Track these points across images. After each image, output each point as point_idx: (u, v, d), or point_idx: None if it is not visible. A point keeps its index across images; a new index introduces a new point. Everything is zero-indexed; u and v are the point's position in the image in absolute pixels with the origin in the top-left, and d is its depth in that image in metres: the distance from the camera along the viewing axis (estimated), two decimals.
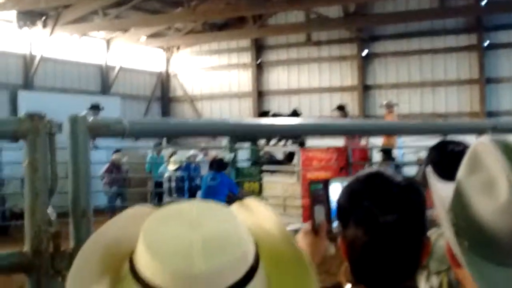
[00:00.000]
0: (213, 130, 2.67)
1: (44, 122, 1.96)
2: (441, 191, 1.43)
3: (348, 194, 1.68)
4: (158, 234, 1.17)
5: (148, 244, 1.16)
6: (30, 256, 1.89)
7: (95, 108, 17.05)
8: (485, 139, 1.35)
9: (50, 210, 1.96)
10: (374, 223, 1.57)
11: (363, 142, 15.72)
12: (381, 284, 1.61)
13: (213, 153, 17.43)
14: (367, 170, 1.72)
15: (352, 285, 1.68)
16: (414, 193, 1.63)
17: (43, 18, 22.80)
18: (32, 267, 1.89)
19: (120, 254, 1.25)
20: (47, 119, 1.98)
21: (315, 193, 1.94)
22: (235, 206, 1.39)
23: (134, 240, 1.21)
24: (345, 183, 1.74)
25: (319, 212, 1.90)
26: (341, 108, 17.18)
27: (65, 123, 2.00)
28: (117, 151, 18.25)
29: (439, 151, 2.36)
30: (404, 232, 1.58)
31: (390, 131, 4.03)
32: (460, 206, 1.36)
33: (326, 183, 1.91)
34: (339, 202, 1.70)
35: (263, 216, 1.35)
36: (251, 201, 1.39)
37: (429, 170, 1.51)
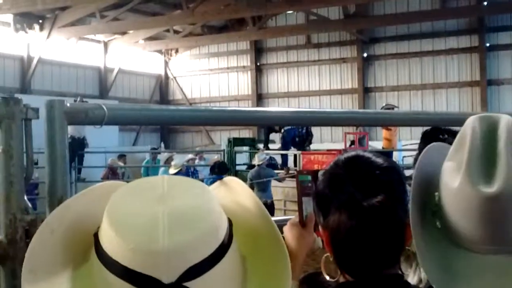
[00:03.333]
0: (196, 118, 2.59)
1: (20, 107, 1.90)
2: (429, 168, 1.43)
3: (328, 180, 1.60)
4: (123, 208, 1.10)
5: (112, 218, 1.09)
6: (5, 246, 1.84)
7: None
8: (475, 117, 1.32)
9: (26, 198, 1.91)
10: (358, 207, 1.50)
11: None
12: (365, 270, 1.55)
13: (214, 157, 17.27)
14: (345, 154, 1.65)
15: (332, 276, 1.63)
16: (396, 174, 1.58)
17: (40, 21, 22.67)
18: (6, 256, 1.83)
19: (88, 230, 1.17)
20: (23, 104, 1.92)
21: (303, 185, 1.89)
22: (215, 185, 1.37)
23: (102, 216, 1.13)
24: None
25: (308, 204, 1.83)
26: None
27: (41, 108, 1.93)
28: (121, 156, 18.10)
29: (430, 138, 2.32)
30: (389, 214, 1.51)
31: (382, 122, 3.99)
32: (440, 186, 1.35)
33: (314, 174, 1.83)
34: (318, 189, 1.62)
35: (241, 195, 1.31)
36: (231, 180, 1.36)
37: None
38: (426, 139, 2.39)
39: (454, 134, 2.30)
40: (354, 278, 1.57)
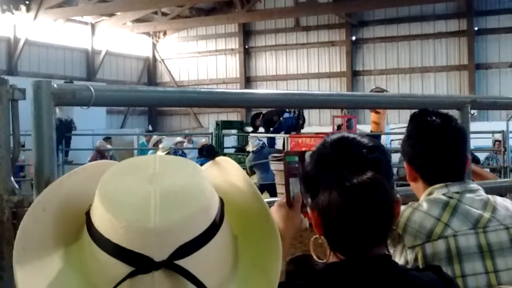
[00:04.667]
0: (184, 100, 2.61)
1: (6, 87, 1.87)
2: None
3: (316, 161, 1.62)
4: (115, 186, 1.11)
5: (103, 196, 1.10)
6: None
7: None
8: None
9: (13, 179, 1.90)
10: (348, 184, 1.52)
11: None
12: (357, 248, 1.56)
13: (203, 140, 17.22)
14: (331, 136, 1.67)
15: (320, 258, 1.64)
16: (381, 152, 1.61)
17: (27, 2, 22.42)
18: None
19: (80, 209, 1.18)
20: (9, 84, 1.89)
21: (290, 166, 1.88)
22: (207, 165, 1.38)
23: (94, 194, 1.14)
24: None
25: (294, 185, 1.83)
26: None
27: (28, 89, 1.90)
28: (107, 138, 18.04)
29: (419, 121, 2.35)
30: (379, 190, 1.53)
31: (369, 104, 3.99)
32: None
33: (301, 155, 1.82)
34: (306, 170, 1.63)
35: (234, 175, 1.32)
36: (223, 160, 1.37)
37: None
38: (414, 121, 2.39)
39: (442, 116, 2.32)
40: (345, 256, 1.58)
